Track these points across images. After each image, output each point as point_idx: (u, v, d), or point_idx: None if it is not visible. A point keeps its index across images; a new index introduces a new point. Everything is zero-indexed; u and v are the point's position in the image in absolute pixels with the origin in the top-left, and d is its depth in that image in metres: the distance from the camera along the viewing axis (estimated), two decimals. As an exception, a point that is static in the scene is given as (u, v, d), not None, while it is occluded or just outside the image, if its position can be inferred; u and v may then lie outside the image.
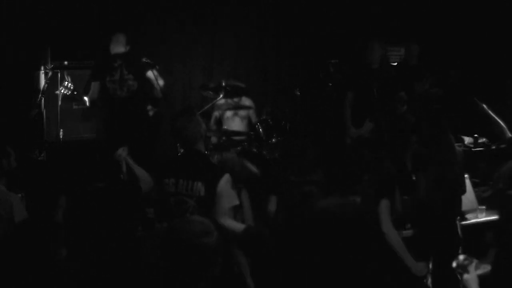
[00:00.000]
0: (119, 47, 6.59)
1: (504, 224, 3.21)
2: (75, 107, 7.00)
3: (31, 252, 3.22)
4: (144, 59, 6.60)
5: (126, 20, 7.59)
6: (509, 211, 3.12)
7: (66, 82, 6.57)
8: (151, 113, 6.76)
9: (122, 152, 4.70)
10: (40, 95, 6.74)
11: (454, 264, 2.85)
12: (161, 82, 6.61)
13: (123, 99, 6.57)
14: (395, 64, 7.89)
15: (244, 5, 8.37)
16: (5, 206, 4.33)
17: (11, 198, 4.42)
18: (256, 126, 6.91)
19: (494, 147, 7.18)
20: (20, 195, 4.94)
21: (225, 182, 3.92)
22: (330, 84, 7.69)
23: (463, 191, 5.19)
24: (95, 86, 6.65)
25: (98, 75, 6.64)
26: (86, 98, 6.62)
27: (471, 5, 8.54)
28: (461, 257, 2.86)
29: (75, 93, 6.57)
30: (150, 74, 6.52)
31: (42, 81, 6.81)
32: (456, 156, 5.36)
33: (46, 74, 6.77)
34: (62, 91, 6.59)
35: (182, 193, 3.96)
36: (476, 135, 7.27)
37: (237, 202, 3.98)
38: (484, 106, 5.93)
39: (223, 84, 6.87)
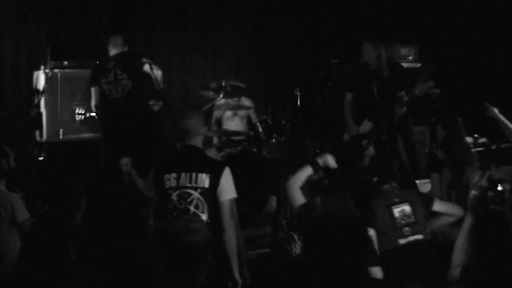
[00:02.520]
0: (116, 49, 6.64)
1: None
2: (75, 107, 7.00)
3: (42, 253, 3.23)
4: (144, 59, 6.60)
5: (126, 20, 7.60)
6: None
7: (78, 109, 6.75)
8: (155, 107, 6.63)
9: (126, 163, 4.71)
10: (40, 95, 6.74)
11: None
12: (157, 72, 6.43)
13: (119, 100, 6.57)
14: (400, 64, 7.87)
15: (244, 5, 8.37)
16: (6, 207, 4.33)
17: (11, 198, 4.42)
18: (256, 126, 6.92)
19: (494, 147, 7.18)
20: (20, 195, 4.94)
21: (227, 174, 4.02)
22: (330, 84, 7.68)
23: None
24: (95, 91, 6.70)
25: (95, 79, 6.69)
26: (93, 110, 6.75)
27: (471, 5, 8.54)
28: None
29: (88, 115, 6.73)
30: (146, 67, 6.42)
31: (42, 81, 6.81)
32: (472, 158, 5.37)
33: (46, 74, 6.77)
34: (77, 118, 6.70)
35: (185, 186, 3.98)
36: (476, 135, 7.26)
37: (236, 195, 4.06)
38: (495, 109, 5.94)
39: (223, 84, 6.87)
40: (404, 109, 6.50)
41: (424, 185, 5.99)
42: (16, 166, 4.81)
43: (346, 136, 6.65)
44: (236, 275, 3.97)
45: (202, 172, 3.98)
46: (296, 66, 8.49)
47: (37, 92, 6.89)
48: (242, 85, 7.09)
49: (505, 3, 8.43)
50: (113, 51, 6.66)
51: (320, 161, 4.00)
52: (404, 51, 8.27)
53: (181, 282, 2.40)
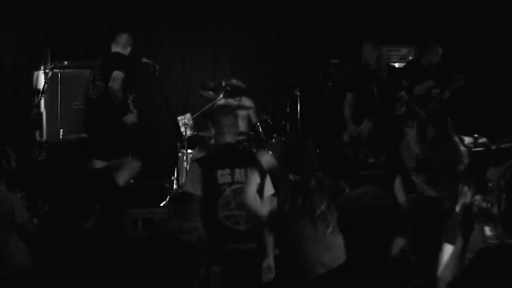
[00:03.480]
0: (115, 47, 6.40)
1: None
2: (75, 107, 7.00)
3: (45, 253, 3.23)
4: (144, 59, 6.59)
5: (126, 20, 7.60)
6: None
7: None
8: (129, 119, 6.28)
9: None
10: (40, 95, 6.74)
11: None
12: (112, 84, 6.08)
13: (95, 100, 6.36)
14: (396, 64, 7.88)
15: (244, 5, 8.37)
16: (6, 207, 4.32)
17: (11, 198, 4.41)
18: (256, 126, 6.91)
19: (494, 147, 7.18)
20: (20, 195, 4.94)
21: (268, 161, 4.17)
22: (330, 84, 7.68)
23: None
24: None
25: None
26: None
27: (471, 5, 8.54)
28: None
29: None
30: (114, 73, 6.10)
31: (42, 81, 6.81)
32: (460, 156, 5.38)
33: (46, 74, 6.76)
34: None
35: (240, 181, 4.08)
36: (476, 135, 7.27)
37: (273, 191, 4.20)
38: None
39: (223, 84, 6.87)
40: (404, 108, 6.51)
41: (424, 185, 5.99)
42: (17, 167, 4.80)
43: (346, 136, 6.66)
44: (272, 264, 4.16)
45: (253, 167, 4.07)
46: (296, 66, 8.49)
47: (37, 92, 6.89)
48: (242, 85, 7.08)
49: (505, 3, 8.43)
50: (112, 49, 6.44)
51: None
52: (404, 51, 8.28)
53: (177, 282, 2.39)
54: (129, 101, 6.34)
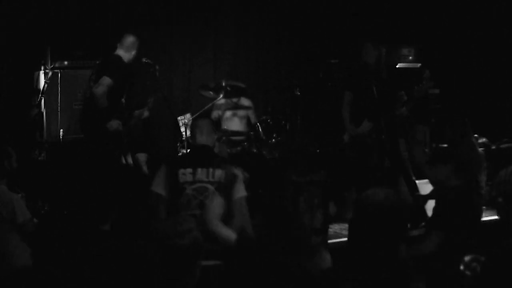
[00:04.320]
0: (119, 49, 6.36)
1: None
2: (75, 107, 7.00)
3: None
4: (144, 59, 6.58)
5: (126, 20, 7.59)
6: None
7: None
8: (112, 126, 6.16)
9: None
10: (40, 95, 6.74)
11: (461, 266, 2.82)
12: (96, 89, 6.03)
13: (86, 100, 6.37)
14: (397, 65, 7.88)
15: (244, 5, 8.37)
16: (7, 207, 4.33)
17: (12, 198, 4.42)
18: (256, 126, 6.92)
19: (494, 147, 7.19)
20: (20, 195, 4.94)
21: (238, 172, 4.20)
22: (330, 84, 7.68)
23: (479, 193, 5.20)
24: None
25: None
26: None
27: (471, 5, 8.55)
28: (468, 257, 2.82)
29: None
30: (101, 78, 6.03)
31: (42, 81, 6.81)
32: (477, 158, 5.38)
33: (46, 74, 6.76)
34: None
35: (201, 181, 4.08)
36: (476, 135, 7.27)
37: (245, 194, 4.13)
38: None
39: (223, 84, 6.87)
40: (404, 108, 6.52)
41: (424, 185, 6.00)
42: (17, 167, 4.81)
43: (346, 137, 6.66)
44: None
45: (218, 167, 4.10)
46: (296, 66, 8.49)
47: (37, 92, 6.89)
48: (242, 85, 7.09)
49: (505, 3, 8.43)
50: (116, 50, 6.38)
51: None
52: (404, 51, 8.28)
53: (171, 286, 2.37)
54: (122, 104, 6.35)
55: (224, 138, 6.81)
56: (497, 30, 8.48)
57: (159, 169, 4.24)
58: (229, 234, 3.62)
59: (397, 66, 7.71)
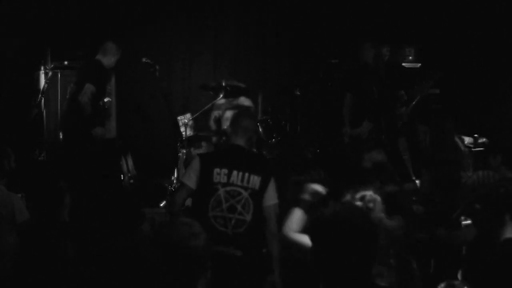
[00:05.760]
0: (98, 54, 6.37)
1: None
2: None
3: (40, 252, 3.23)
4: (144, 59, 6.59)
5: (126, 20, 7.60)
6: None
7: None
8: (97, 132, 6.21)
9: None
10: (40, 95, 6.75)
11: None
12: (82, 98, 6.05)
13: (67, 100, 6.42)
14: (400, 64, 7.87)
15: (244, 5, 8.37)
16: (6, 207, 4.33)
17: (12, 198, 4.42)
18: (256, 126, 6.91)
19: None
20: (20, 195, 4.94)
21: (274, 180, 4.06)
22: (330, 84, 7.68)
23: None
24: None
25: None
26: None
27: (471, 5, 8.54)
28: (443, 284, 2.71)
29: None
30: (85, 86, 6.06)
31: (42, 81, 6.81)
32: (461, 157, 5.38)
33: (46, 74, 6.77)
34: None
35: (235, 184, 3.99)
36: (476, 135, 7.27)
37: (277, 201, 4.06)
38: None
39: (223, 84, 6.87)
40: (404, 108, 6.52)
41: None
42: (17, 167, 4.81)
43: (346, 137, 6.66)
44: (278, 278, 3.96)
45: (254, 173, 4.00)
46: (296, 66, 8.49)
47: (37, 92, 6.90)
48: (242, 85, 7.09)
49: (505, 3, 8.43)
50: (97, 55, 6.39)
51: (306, 196, 3.73)
52: (404, 50, 8.27)
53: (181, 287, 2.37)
54: (101, 107, 6.41)
55: (224, 138, 6.81)
56: (497, 30, 8.47)
57: (193, 162, 4.15)
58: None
59: (403, 64, 7.68)
